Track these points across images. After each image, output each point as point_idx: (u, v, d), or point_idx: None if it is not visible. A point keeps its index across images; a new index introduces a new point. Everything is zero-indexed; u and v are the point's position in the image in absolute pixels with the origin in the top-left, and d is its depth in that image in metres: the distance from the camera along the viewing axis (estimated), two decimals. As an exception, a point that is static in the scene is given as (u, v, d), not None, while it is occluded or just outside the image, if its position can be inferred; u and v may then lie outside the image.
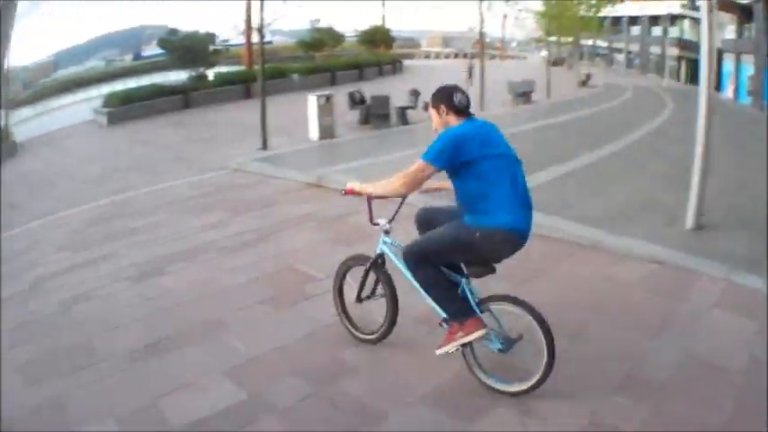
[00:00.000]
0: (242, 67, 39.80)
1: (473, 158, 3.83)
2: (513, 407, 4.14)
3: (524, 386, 4.10)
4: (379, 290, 4.85)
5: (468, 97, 4.16)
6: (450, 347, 4.19)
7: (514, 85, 31.59)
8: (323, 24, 56.51)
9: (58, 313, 6.37)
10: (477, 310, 4.13)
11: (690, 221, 8.08)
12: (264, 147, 16.05)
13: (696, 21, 57.77)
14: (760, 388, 4.27)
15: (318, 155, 15.34)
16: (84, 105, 35.75)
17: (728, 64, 43.72)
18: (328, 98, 17.49)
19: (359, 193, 4.33)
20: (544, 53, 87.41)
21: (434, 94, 4.17)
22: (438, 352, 4.27)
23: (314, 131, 17.40)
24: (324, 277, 6.43)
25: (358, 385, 4.56)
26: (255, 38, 39.55)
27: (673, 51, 62.16)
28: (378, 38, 60.11)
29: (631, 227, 8.03)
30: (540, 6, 40.02)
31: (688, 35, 59.99)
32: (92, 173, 16.24)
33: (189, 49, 34.66)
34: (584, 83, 46.77)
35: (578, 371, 4.52)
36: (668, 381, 4.45)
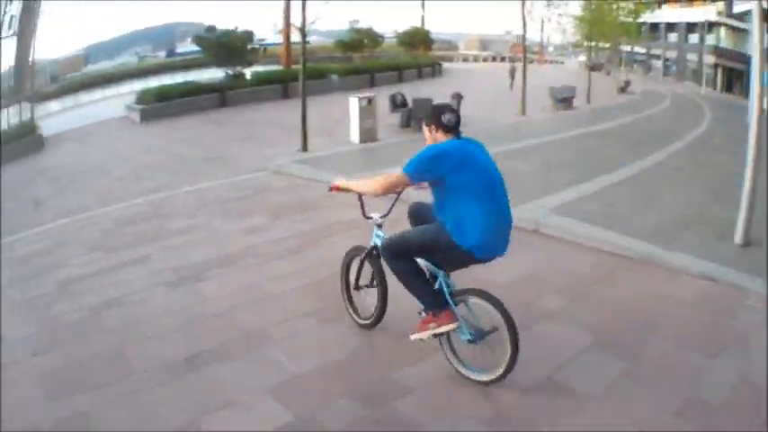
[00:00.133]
0: (279, 67, 39.84)
1: (449, 174, 4.17)
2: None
3: (492, 376, 4.41)
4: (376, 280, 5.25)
5: (457, 116, 4.45)
6: (423, 335, 4.58)
7: (556, 90, 31.77)
8: (362, 25, 56.68)
9: (86, 319, 6.19)
10: (451, 303, 4.49)
11: (739, 236, 7.92)
12: (304, 148, 15.87)
13: (733, 29, 57.99)
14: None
15: (361, 158, 15.11)
16: (115, 101, 36.04)
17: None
18: (370, 100, 17.31)
19: (345, 190, 4.81)
20: (582, 58, 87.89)
21: (427, 114, 4.51)
22: (412, 338, 4.68)
23: (355, 134, 17.22)
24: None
25: (412, 407, 4.34)
26: (294, 37, 40.07)
27: (709, 59, 62.53)
28: (417, 40, 60.26)
29: (681, 241, 7.90)
30: (579, 11, 39.73)
31: (724, 43, 60.78)
32: (125, 170, 16.22)
33: (226, 46, 34.73)
34: (623, 89, 46.89)
35: (638, 393, 4.43)
36: (725, 404, 4.34)
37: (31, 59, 43.94)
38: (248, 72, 35.94)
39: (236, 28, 36.72)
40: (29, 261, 8.70)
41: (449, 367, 4.71)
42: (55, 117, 36.94)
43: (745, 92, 54.78)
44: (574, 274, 6.72)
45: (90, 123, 29.30)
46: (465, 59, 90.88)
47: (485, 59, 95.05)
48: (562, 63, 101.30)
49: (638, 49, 75.14)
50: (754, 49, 8.04)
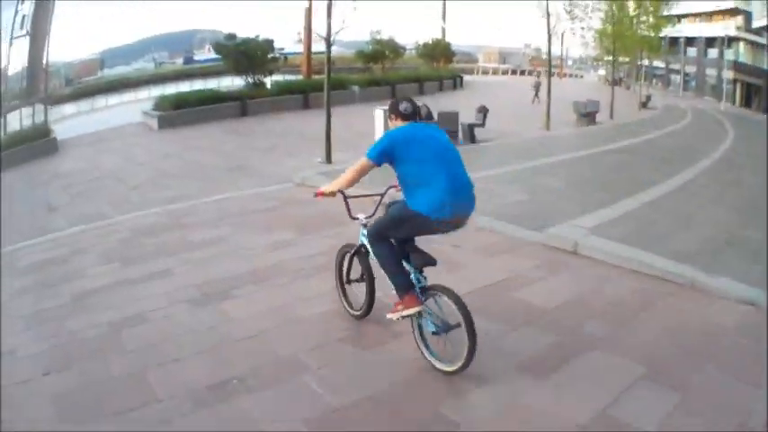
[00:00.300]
0: (299, 77, 39.84)
1: (401, 151, 4.83)
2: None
3: (453, 367, 4.78)
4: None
5: (414, 106, 5.12)
6: (394, 317, 5.08)
7: (579, 104, 31.95)
8: (383, 36, 56.69)
9: (104, 336, 5.85)
10: (418, 291, 5.00)
11: (776, 259, 7.94)
12: (328, 160, 15.61)
13: (752, 44, 58.60)
14: None
15: (384, 171, 14.69)
16: (132, 106, 36.13)
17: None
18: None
19: (331, 194, 5.24)
20: (601, 72, 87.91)
21: (389, 105, 5.27)
22: (387, 316, 5.17)
23: (379, 146, 16.82)
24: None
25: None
26: (316, 47, 40.02)
27: (728, 74, 63.04)
28: (437, 52, 60.39)
29: (719, 263, 7.69)
30: (599, 24, 39.86)
31: (743, 58, 62.40)
32: (142, 177, 16.03)
33: (246, 54, 34.69)
34: (644, 104, 47.55)
35: (693, 426, 4.28)
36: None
37: (44, 61, 44.05)
38: (268, 81, 35.92)
39: (257, 36, 36.62)
40: (41, 269, 8.43)
41: (497, 401, 4.55)
42: (70, 120, 37.04)
43: (765, 107, 55.12)
44: (616, 298, 6.59)
45: (106, 128, 29.30)
46: (485, 72, 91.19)
47: (504, 72, 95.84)
48: (581, 77, 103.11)
49: (657, 63, 76.47)
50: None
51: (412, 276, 5.09)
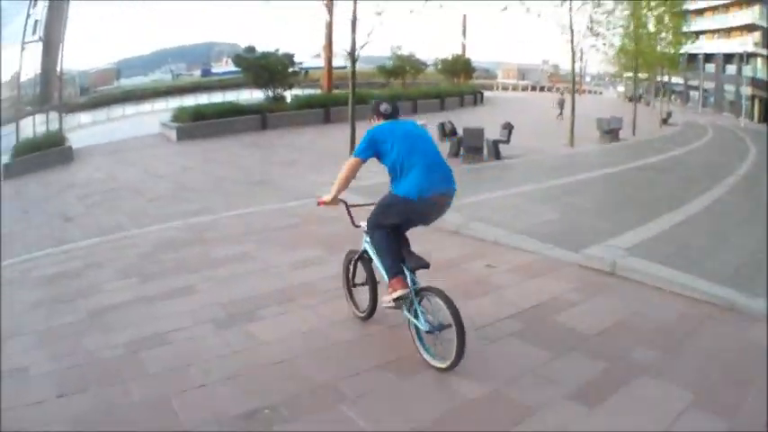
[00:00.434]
0: (319, 91, 39.91)
1: (387, 145, 5.34)
2: None
3: (444, 365, 5.05)
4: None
5: (394, 105, 5.77)
6: (387, 299, 5.42)
7: (603, 121, 31.98)
8: (403, 52, 56.89)
9: (122, 357, 5.54)
10: (407, 278, 5.29)
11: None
12: (353, 176, 15.29)
13: None
14: None
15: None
16: (149, 117, 36.19)
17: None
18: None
19: (333, 202, 5.67)
20: (620, 88, 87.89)
21: (372, 106, 5.84)
22: (382, 305, 5.61)
23: (404, 162, 16.62)
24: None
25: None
26: (336, 62, 40.07)
27: (746, 90, 63.91)
28: (458, 68, 60.66)
29: (757, 285, 7.44)
30: (618, 41, 39.87)
31: (761, 74, 63.39)
32: (161, 190, 15.84)
33: (266, 68, 34.66)
34: (665, 121, 48.08)
35: None
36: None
37: (58, 68, 44.00)
38: (288, 95, 35.94)
39: (278, 50, 36.65)
40: (55, 282, 8.17)
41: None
42: (86, 129, 37.08)
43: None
44: (660, 322, 6.42)
45: (122, 138, 29.30)
46: (504, 88, 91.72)
47: (524, 88, 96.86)
48: (600, 93, 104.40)
49: (675, 79, 77.42)
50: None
51: (408, 278, 5.32)
